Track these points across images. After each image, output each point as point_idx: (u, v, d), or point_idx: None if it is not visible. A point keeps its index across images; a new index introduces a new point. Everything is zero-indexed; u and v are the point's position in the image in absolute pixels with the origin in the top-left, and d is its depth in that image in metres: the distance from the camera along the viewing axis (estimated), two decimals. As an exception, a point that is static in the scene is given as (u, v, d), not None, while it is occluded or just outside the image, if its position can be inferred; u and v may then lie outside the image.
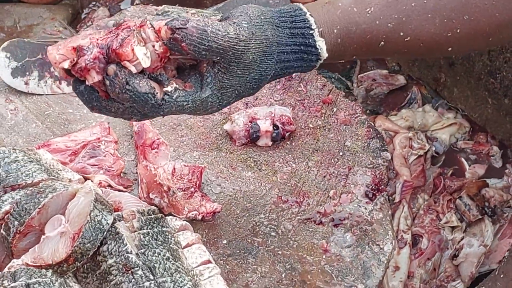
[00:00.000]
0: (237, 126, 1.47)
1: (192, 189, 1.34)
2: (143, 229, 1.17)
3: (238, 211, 1.37)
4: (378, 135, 1.50)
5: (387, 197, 1.41)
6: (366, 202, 1.39)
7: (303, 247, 1.32)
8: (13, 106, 1.55)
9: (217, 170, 1.44)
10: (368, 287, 1.27)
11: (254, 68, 1.08)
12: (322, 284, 1.27)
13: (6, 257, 1.20)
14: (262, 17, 1.09)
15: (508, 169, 2.06)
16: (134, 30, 1.03)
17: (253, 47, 1.07)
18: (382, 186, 1.42)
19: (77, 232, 1.12)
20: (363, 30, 1.13)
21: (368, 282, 1.28)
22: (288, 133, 1.49)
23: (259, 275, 1.28)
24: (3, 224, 1.18)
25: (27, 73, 1.57)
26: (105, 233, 1.14)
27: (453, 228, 1.90)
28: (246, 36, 1.06)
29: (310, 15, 1.11)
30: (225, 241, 1.32)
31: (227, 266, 1.29)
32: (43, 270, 1.12)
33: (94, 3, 2.48)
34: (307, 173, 1.44)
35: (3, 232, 1.18)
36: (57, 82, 1.58)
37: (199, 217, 1.33)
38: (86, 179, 1.32)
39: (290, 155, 1.47)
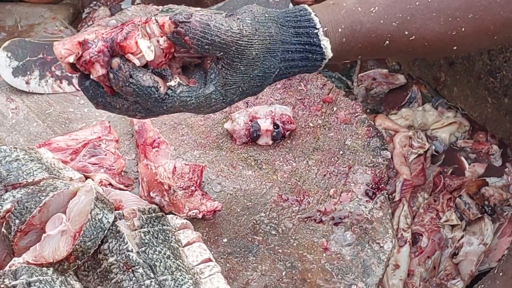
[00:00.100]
0: (238, 125, 1.48)
1: (193, 188, 1.34)
2: (144, 228, 1.17)
3: (238, 210, 1.37)
4: (378, 134, 1.51)
5: (387, 195, 1.41)
6: (366, 201, 1.39)
7: (303, 245, 1.32)
8: (14, 105, 1.55)
9: (217, 169, 1.44)
10: (368, 285, 1.27)
11: (258, 64, 1.08)
12: (322, 282, 1.27)
13: (7, 256, 1.20)
14: (267, 15, 1.09)
15: (508, 168, 2.06)
16: (139, 25, 1.04)
17: (257, 43, 1.07)
18: (382, 185, 1.42)
19: (78, 231, 1.12)
20: (368, 29, 1.12)
21: (368, 280, 1.28)
22: (289, 132, 1.49)
23: (260, 273, 1.28)
24: (4, 223, 1.18)
25: (28, 73, 1.58)
26: (106, 231, 1.14)
27: (453, 226, 1.90)
28: (249, 32, 1.06)
29: (315, 15, 1.11)
30: (225, 240, 1.33)
31: (228, 265, 1.29)
32: (44, 269, 1.12)
33: (95, 2, 2.48)
34: (307, 171, 1.44)
35: (4, 231, 1.18)
36: (58, 81, 1.59)
37: (200, 216, 1.33)
38: (87, 177, 1.32)
39: (290, 154, 1.47)
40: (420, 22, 1.12)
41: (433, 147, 2.08)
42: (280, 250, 1.31)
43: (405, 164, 1.98)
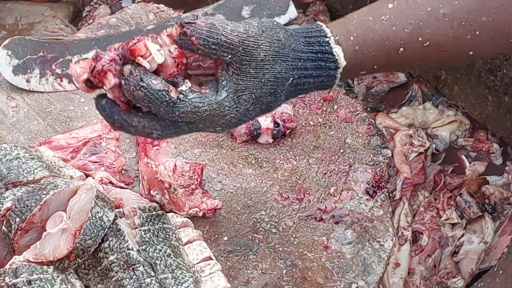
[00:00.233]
0: (238, 123, 1.48)
1: (193, 186, 1.34)
2: (144, 226, 1.17)
3: (239, 208, 1.37)
4: (379, 133, 1.51)
5: (387, 194, 1.41)
6: (367, 199, 1.39)
7: (303, 243, 1.32)
8: (15, 103, 1.55)
9: (218, 167, 1.44)
10: (369, 283, 1.28)
11: (268, 68, 1.07)
12: (322, 281, 1.28)
13: (8, 254, 1.20)
14: (275, 23, 1.08)
15: (508, 166, 2.06)
16: (150, 36, 1.04)
17: (264, 43, 1.05)
18: (383, 183, 1.42)
19: (78, 229, 1.12)
20: (380, 36, 1.11)
21: (369, 278, 1.28)
22: (289, 130, 1.49)
23: (260, 271, 1.28)
24: (5, 221, 1.18)
25: (29, 71, 1.58)
26: (106, 229, 1.14)
27: (453, 225, 1.90)
28: (255, 33, 1.05)
29: (326, 27, 1.11)
30: (226, 238, 1.33)
31: (228, 263, 1.29)
32: (45, 267, 1.12)
33: (95, 1, 2.48)
34: (307, 170, 1.44)
35: (5, 229, 1.18)
36: (58, 79, 1.59)
37: (200, 214, 1.33)
38: (87, 176, 1.32)
39: (290, 152, 1.47)
40: (433, 27, 1.10)
41: (434, 146, 2.08)
42: (280, 249, 1.31)
43: (406, 162, 1.98)
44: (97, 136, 1.41)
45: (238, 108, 1.07)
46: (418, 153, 2.02)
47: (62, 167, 1.30)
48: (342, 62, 1.10)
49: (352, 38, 1.11)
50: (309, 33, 1.10)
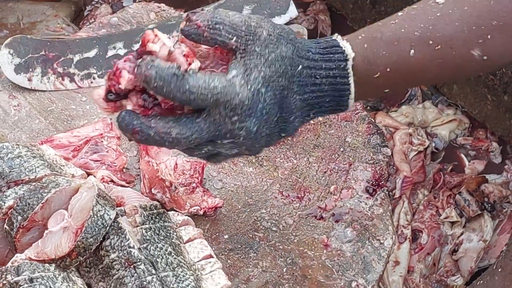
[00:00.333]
0: (239, 122, 1.48)
1: (194, 185, 1.34)
2: (146, 224, 1.18)
3: (239, 206, 1.38)
4: (379, 131, 1.51)
5: (387, 192, 1.41)
6: (367, 198, 1.39)
7: (304, 242, 1.33)
8: (17, 102, 1.56)
9: (218, 165, 1.44)
10: (369, 281, 1.28)
11: (273, 46, 1.06)
12: (322, 279, 1.28)
13: (10, 252, 1.20)
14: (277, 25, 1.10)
15: (507, 165, 2.07)
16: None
17: (266, 26, 1.06)
18: (383, 182, 1.42)
19: (80, 227, 1.13)
20: (389, 36, 1.10)
21: (369, 276, 1.29)
22: (289, 129, 1.50)
23: (260, 269, 1.29)
24: (7, 219, 1.18)
25: (30, 70, 1.58)
26: (108, 228, 1.14)
27: (452, 223, 1.91)
28: (256, 19, 1.07)
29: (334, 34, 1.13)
30: (226, 236, 1.33)
31: (229, 261, 1.30)
32: (46, 265, 1.12)
33: (96, 0, 2.48)
34: (308, 168, 1.44)
35: (7, 227, 1.18)
36: (60, 78, 1.59)
37: (201, 212, 1.33)
38: (88, 174, 1.33)
39: (291, 151, 1.48)
40: (444, 31, 1.09)
41: (433, 144, 2.08)
42: (281, 247, 1.32)
43: (405, 161, 1.99)
44: (98, 134, 1.41)
45: (249, 87, 1.04)
46: (418, 152, 2.02)
47: (63, 166, 1.30)
48: (351, 53, 1.09)
49: (360, 37, 1.11)
50: (317, 38, 1.12)
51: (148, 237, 1.15)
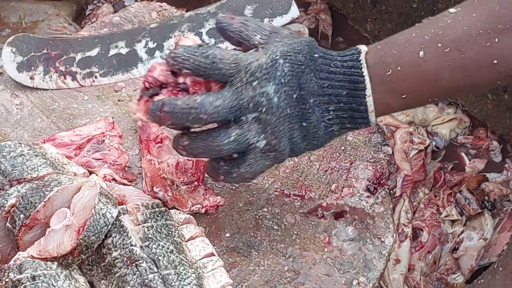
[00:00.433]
0: (240, 120, 1.48)
1: (196, 183, 1.34)
2: (147, 222, 1.18)
3: (241, 205, 1.38)
4: (379, 130, 1.51)
5: (388, 191, 1.41)
6: (368, 196, 1.40)
7: (305, 240, 1.33)
8: (19, 100, 1.56)
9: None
10: (369, 279, 1.28)
11: (291, 37, 1.15)
12: (324, 277, 1.28)
13: (12, 250, 1.20)
14: None
15: (508, 163, 2.07)
16: None
17: (283, 31, 1.16)
18: (383, 180, 1.42)
19: (82, 225, 1.13)
20: (401, 39, 1.15)
21: (369, 274, 1.29)
22: (290, 127, 1.50)
23: (262, 267, 1.29)
24: (9, 217, 1.18)
25: (33, 68, 1.58)
26: (110, 226, 1.15)
27: (453, 221, 1.91)
28: (271, 27, 1.19)
29: None
30: (228, 234, 1.33)
31: (230, 259, 1.30)
32: (49, 263, 1.12)
33: (98, -1, 2.49)
34: (309, 167, 1.44)
35: (9, 225, 1.18)
36: (62, 77, 1.59)
37: (203, 211, 1.33)
38: (91, 173, 1.33)
39: (292, 150, 1.48)
40: (452, 35, 1.11)
41: (434, 143, 2.09)
42: (282, 245, 1.32)
43: (406, 159, 1.99)
44: (100, 133, 1.41)
45: (268, 55, 1.11)
46: (418, 151, 2.02)
47: (65, 164, 1.31)
48: (364, 48, 1.15)
49: (375, 43, 1.17)
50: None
51: (150, 235, 1.15)
